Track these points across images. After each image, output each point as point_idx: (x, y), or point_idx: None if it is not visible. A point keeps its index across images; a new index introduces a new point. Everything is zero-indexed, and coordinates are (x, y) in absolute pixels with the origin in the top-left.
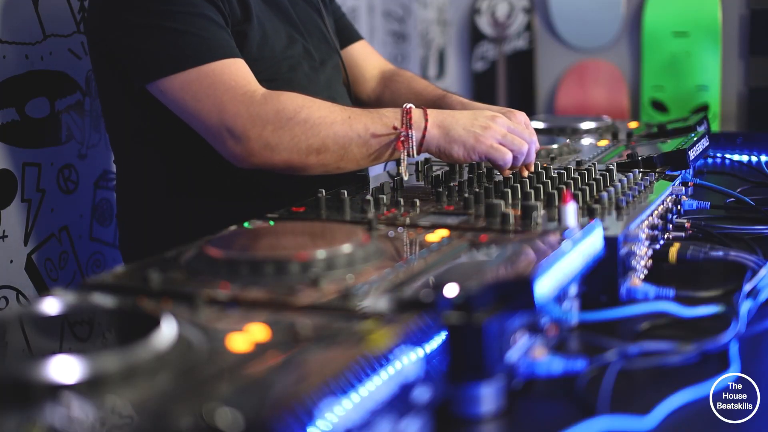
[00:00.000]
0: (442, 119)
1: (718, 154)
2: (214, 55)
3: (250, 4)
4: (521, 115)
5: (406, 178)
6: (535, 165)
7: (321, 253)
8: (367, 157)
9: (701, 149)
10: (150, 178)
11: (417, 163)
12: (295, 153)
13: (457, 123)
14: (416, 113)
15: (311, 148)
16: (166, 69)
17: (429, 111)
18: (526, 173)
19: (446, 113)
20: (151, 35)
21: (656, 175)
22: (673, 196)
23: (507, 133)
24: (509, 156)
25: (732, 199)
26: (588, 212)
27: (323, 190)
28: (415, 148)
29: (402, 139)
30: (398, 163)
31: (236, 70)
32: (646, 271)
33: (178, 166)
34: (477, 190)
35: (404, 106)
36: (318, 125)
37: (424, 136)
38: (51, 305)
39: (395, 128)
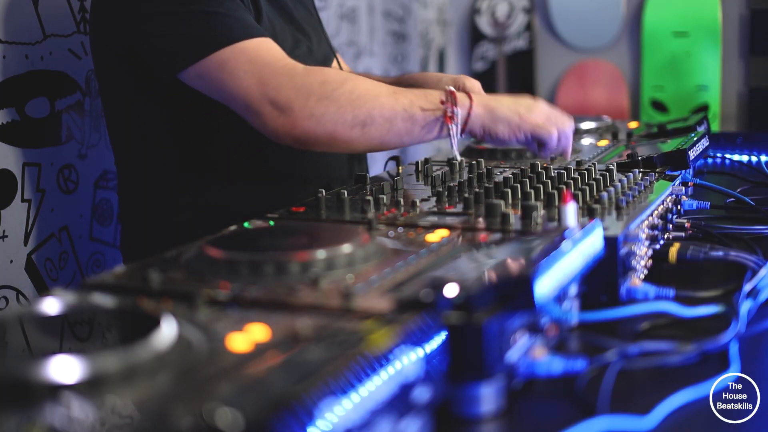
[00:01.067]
0: (487, 100)
1: (718, 154)
2: (248, 33)
3: (261, 4)
4: (476, 82)
5: (458, 157)
6: (535, 165)
7: (321, 253)
8: (411, 132)
9: (701, 149)
10: (154, 176)
11: (417, 162)
12: (340, 125)
13: (501, 104)
14: (460, 94)
15: (357, 120)
16: (201, 51)
17: (473, 94)
18: (569, 156)
19: (489, 96)
20: (180, 21)
21: (656, 175)
22: (673, 196)
23: (550, 113)
24: (555, 133)
25: (732, 199)
26: (588, 212)
27: (323, 190)
28: (459, 125)
29: (449, 114)
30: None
31: (272, 47)
32: (646, 271)
33: (185, 164)
34: (477, 190)
35: (447, 87)
36: (364, 96)
37: (469, 114)
38: (51, 305)
39: (442, 103)
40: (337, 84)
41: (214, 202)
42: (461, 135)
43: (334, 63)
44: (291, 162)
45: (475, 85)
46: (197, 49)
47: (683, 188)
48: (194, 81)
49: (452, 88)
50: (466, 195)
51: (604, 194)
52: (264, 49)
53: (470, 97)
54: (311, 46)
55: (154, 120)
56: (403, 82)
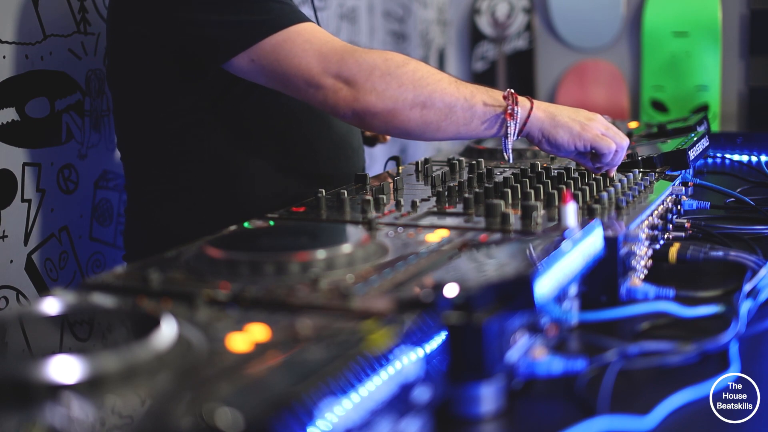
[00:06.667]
0: (547, 106)
1: (718, 154)
2: (301, 18)
3: None
4: None
5: (511, 160)
6: (535, 165)
7: (321, 253)
8: (469, 123)
9: (701, 149)
10: (168, 171)
11: (417, 162)
12: (401, 102)
13: (561, 111)
14: (521, 97)
15: (417, 100)
16: (255, 35)
17: (533, 99)
18: (612, 174)
19: (549, 104)
20: (231, 8)
21: (656, 175)
22: (673, 196)
23: (609, 127)
24: (614, 146)
25: (732, 199)
26: (588, 212)
27: (323, 190)
28: (518, 125)
29: (509, 112)
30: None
31: (325, 32)
32: (646, 271)
33: (203, 158)
34: (477, 190)
35: (509, 89)
36: (426, 78)
37: (529, 115)
38: (51, 305)
39: (504, 98)
40: (401, 63)
41: (223, 199)
42: (517, 136)
43: None
44: (305, 162)
45: None
46: (251, 33)
47: (683, 188)
48: (245, 66)
49: (512, 90)
50: (466, 195)
51: (604, 194)
52: (319, 31)
53: (531, 100)
54: None
55: (172, 117)
56: None
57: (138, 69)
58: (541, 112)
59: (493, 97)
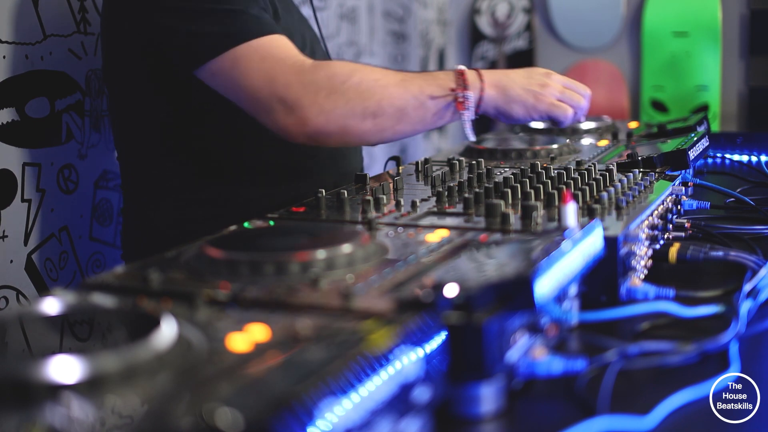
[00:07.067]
0: (498, 79)
1: (718, 154)
2: (262, 31)
3: (276, 3)
4: None
5: (473, 139)
6: (535, 165)
7: (321, 253)
8: (423, 119)
9: (701, 149)
10: (162, 173)
11: (417, 162)
12: (351, 118)
13: (513, 83)
14: (470, 74)
15: (367, 111)
16: (216, 48)
17: (483, 72)
18: (583, 121)
19: (500, 73)
20: (197, 17)
21: (656, 175)
22: (673, 196)
23: (564, 89)
24: (570, 112)
25: (732, 199)
26: (588, 212)
27: (323, 190)
28: (472, 109)
29: (460, 100)
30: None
31: (284, 44)
32: (646, 271)
33: (195, 161)
34: (477, 190)
35: (456, 67)
36: (372, 88)
37: (481, 97)
38: (51, 305)
39: (452, 90)
40: (345, 77)
41: (219, 199)
42: (475, 116)
43: None
44: (302, 160)
45: None
46: (213, 46)
47: (683, 188)
48: (209, 79)
49: (463, 67)
50: (466, 195)
51: (604, 194)
52: (276, 46)
53: (481, 77)
54: (314, 45)
55: (166, 116)
56: None
57: (135, 67)
58: (492, 90)
59: (442, 86)
